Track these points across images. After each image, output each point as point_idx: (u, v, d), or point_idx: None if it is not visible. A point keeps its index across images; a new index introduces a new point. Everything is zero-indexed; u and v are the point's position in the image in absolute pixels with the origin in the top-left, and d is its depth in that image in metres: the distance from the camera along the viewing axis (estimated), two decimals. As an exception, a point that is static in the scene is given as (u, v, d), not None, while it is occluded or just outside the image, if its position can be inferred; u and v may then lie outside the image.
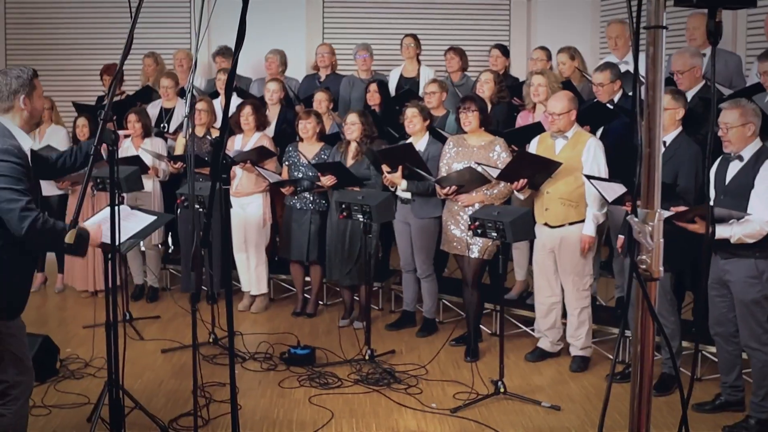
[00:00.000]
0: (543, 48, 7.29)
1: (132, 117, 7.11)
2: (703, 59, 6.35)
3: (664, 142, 4.97)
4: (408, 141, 6.10)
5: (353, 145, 6.36)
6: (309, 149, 6.62)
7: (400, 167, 5.85)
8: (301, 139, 6.67)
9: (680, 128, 4.99)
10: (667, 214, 4.45)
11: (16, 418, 3.60)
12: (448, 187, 5.66)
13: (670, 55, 6.97)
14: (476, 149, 5.74)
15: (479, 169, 5.54)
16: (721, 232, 4.38)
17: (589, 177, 5.11)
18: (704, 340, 5.11)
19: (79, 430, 4.47)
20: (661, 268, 1.83)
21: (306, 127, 6.56)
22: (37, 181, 3.55)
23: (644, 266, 1.80)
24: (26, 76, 3.49)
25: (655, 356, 5.28)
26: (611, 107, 5.91)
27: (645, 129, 1.80)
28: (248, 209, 6.84)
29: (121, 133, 3.93)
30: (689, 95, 5.74)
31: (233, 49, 2.62)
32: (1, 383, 3.55)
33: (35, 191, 3.48)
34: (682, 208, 4.44)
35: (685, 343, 5.25)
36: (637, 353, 1.90)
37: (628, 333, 4.32)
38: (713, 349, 4.97)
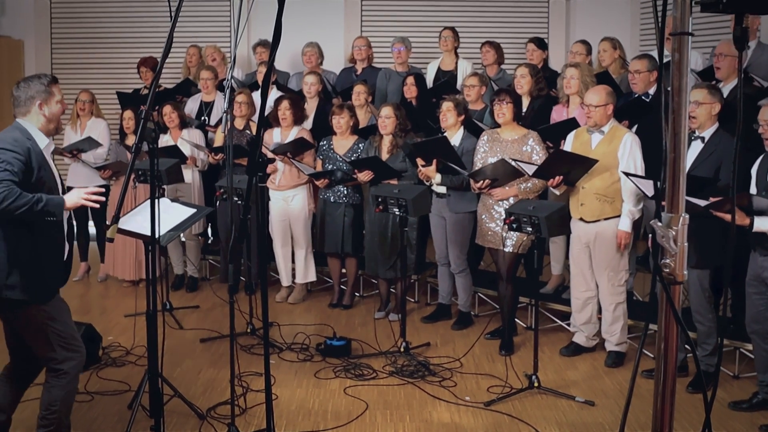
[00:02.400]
0: (583, 42, 7.25)
1: (168, 108, 7.24)
2: (747, 52, 6.29)
3: (703, 138, 4.93)
4: (442, 135, 6.11)
5: (387, 139, 6.39)
6: (343, 144, 6.67)
7: (434, 161, 5.88)
8: (335, 133, 6.71)
9: (717, 124, 4.94)
10: (704, 203, 4.43)
11: (66, 390, 3.85)
12: (482, 181, 5.67)
13: (712, 47, 6.91)
14: (510, 143, 5.74)
15: (513, 164, 5.54)
16: (760, 224, 4.36)
17: (627, 174, 5.09)
18: (742, 337, 5.07)
19: (120, 417, 4.57)
20: (686, 272, 1.84)
21: (339, 122, 6.61)
22: (50, 177, 3.77)
23: (668, 270, 1.81)
24: (43, 84, 3.76)
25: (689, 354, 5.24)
26: (647, 100, 5.88)
27: (670, 134, 1.81)
28: (292, 203, 6.91)
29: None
30: (728, 89, 5.69)
31: (270, 49, 2.68)
32: (51, 360, 3.81)
33: (41, 186, 3.69)
34: (720, 198, 4.42)
35: (725, 341, 5.23)
36: (660, 353, 1.91)
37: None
38: (751, 347, 4.93)
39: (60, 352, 3.80)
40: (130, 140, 7.28)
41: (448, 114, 6.05)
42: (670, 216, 1.82)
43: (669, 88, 1.90)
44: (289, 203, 6.92)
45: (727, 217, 4.42)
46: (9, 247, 3.63)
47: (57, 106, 3.82)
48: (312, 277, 7.11)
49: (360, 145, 6.63)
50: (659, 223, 1.82)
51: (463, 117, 6.10)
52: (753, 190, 4.58)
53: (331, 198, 6.72)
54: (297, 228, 6.96)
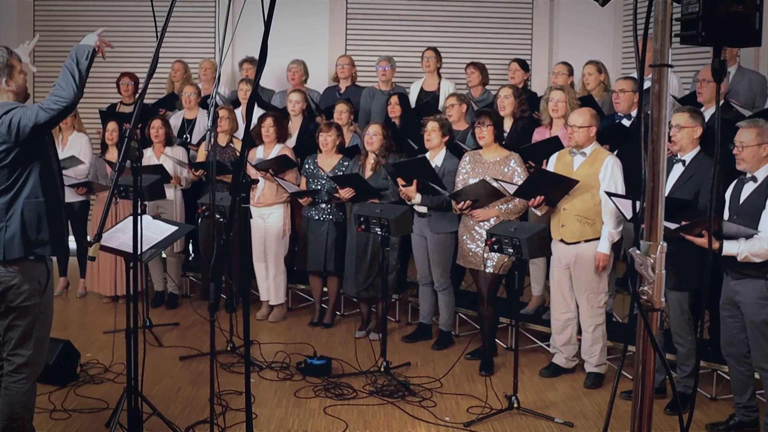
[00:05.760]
0: (565, 63, 7.32)
1: (156, 123, 7.23)
2: (728, 78, 6.37)
3: (684, 161, 4.98)
4: (423, 155, 6.14)
5: (372, 157, 6.41)
6: (328, 162, 6.69)
7: (414, 181, 5.90)
8: (320, 151, 6.73)
9: (698, 147, 5.00)
10: (675, 225, 4.48)
11: (28, 396, 3.81)
12: (463, 202, 5.70)
13: (693, 71, 7.00)
14: (491, 164, 5.78)
15: (495, 184, 5.57)
16: (729, 248, 4.40)
17: (609, 194, 5.14)
18: (719, 359, 5.11)
19: (98, 435, 4.54)
20: (663, 299, 1.87)
21: (326, 139, 6.63)
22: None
23: (645, 297, 1.84)
24: (3, 59, 3.75)
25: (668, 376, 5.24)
26: (627, 124, 5.94)
27: (649, 163, 1.84)
28: (269, 219, 6.91)
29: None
30: (709, 113, 5.76)
31: (256, 69, 2.70)
32: (20, 357, 3.77)
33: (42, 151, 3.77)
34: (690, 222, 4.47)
35: (702, 363, 5.27)
36: (638, 376, 1.93)
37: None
38: (728, 369, 4.97)
39: (33, 352, 3.77)
40: (111, 152, 7.25)
41: (432, 134, 6.08)
42: (649, 244, 1.85)
43: (648, 112, 1.93)
44: (265, 220, 6.92)
45: (698, 240, 4.47)
46: (39, 205, 3.69)
47: (21, 76, 3.83)
48: (281, 298, 7.08)
49: (344, 164, 6.64)
50: (637, 251, 1.85)
51: (447, 138, 6.13)
52: (726, 213, 4.63)
53: (315, 216, 6.73)
54: (270, 246, 6.95)
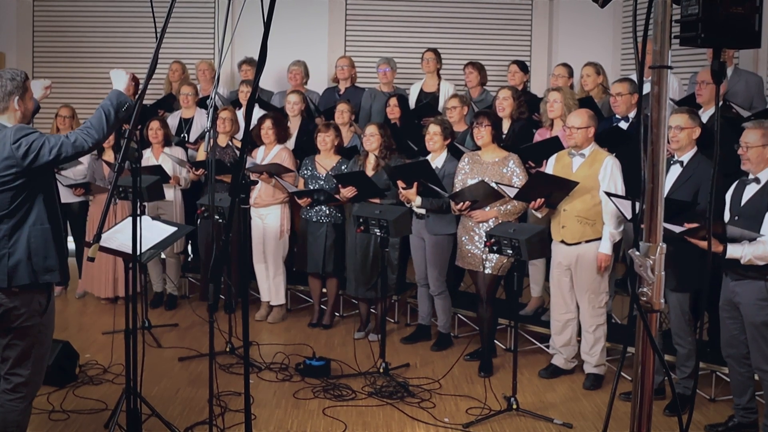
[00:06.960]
0: (565, 65, 7.32)
1: (155, 124, 7.23)
2: (726, 78, 6.38)
3: (681, 162, 4.98)
4: (424, 158, 6.14)
5: (372, 157, 6.41)
6: (326, 162, 6.68)
7: (415, 184, 5.90)
8: (319, 152, 6.73)
9: (695, 148, 5.00)
10: (679, 229, 4.48)
11: (23, 416, 3.76)
12: (462, 203, 5.70)
13: (691, 73, 7.01)
14: (490, 165, 5.78)
15: (493, 185, 5.57)
16: (732, 251, 4.40)
17: (609, 194, 5.14)
18: (719, 360, 5.11)
19: (97, 436, 4.54)
20: (662, 300, 1.87)
21: (325, 140, 6.63)
22: None
23: (645, 298, 1.84)
24: (20, 79, 3.69)
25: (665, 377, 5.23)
26: (625, 127, 5.94)
27: (648, 164, 1.84)
28: (267, 220, 6.91)
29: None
30: (707, 115, 5.77)
31: (255, 71, 2.70)
32: (18, 376, 3.72)
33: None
34: (695, 225, 4.47)
35: (702, 364, 5.27)
36: (637, 377, 1.93)
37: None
38: (727, 370, 4.96)
39: (31, 372, 3.73)
40: (107, 155, 7.24)
41: (435, 137, 6.08)
42: (648, 245, 1.84)
43: (648, 113, 1.93)
44: (263, 220, 6.92)
45: (702, 243, 4.47)
46: (45, 232, 3.64)
47: (30, 102, 3.79)
48: (281, 299, 7.08)
49: (343, 164, 6.64)
50: (637, 252, 1.85)
51: (449, 140, 6.14)
52: (726, 215, 4.63)
53: (314, 217, 6.72)
54: (269, 247, 6.95)
